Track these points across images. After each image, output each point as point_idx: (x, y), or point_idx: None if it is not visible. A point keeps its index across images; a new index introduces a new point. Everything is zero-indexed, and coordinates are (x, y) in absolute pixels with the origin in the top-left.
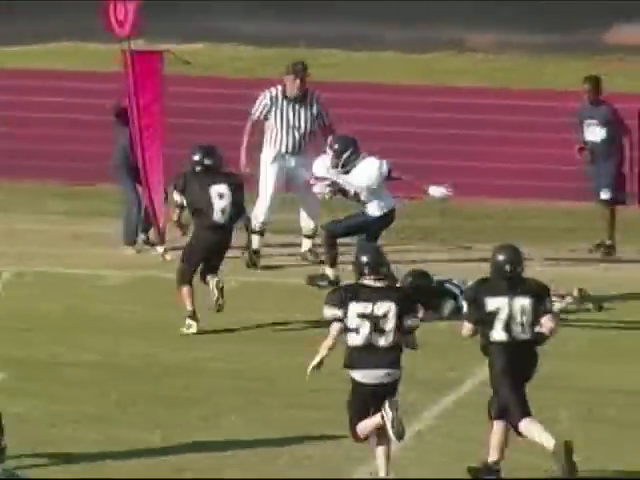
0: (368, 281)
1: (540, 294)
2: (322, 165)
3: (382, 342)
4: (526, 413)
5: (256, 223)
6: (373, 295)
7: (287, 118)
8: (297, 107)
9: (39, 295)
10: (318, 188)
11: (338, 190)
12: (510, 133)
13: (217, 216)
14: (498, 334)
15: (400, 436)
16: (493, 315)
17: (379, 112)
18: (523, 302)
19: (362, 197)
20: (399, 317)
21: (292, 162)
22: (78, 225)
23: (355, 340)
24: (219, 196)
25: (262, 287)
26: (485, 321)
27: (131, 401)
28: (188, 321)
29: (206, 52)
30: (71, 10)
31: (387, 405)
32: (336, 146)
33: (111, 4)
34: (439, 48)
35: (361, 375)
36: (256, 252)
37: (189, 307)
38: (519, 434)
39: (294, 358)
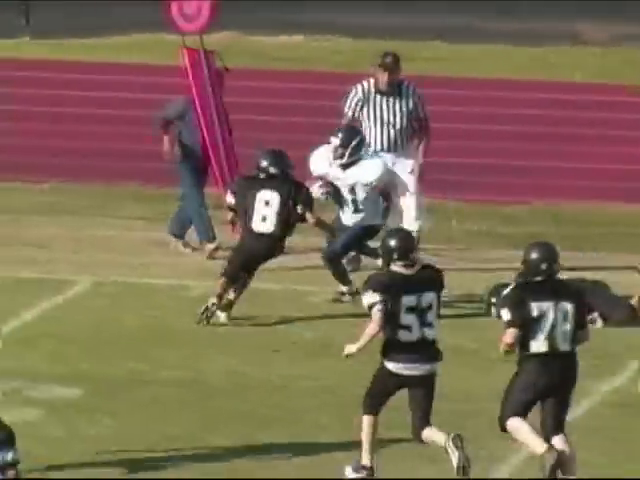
0: (398, 268)
1: (581, 298)
2: (322, 157)
3: (431, 334)
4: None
5: None
6: (414, 285)
7: (380, 113)
8: (390, 101)
9: (116, 307)
10: (314, 190)
11: (333, 192)
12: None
13: (256, 223)
14: (538, 344)
15: (466, 474)
16: (536, 322)
17: (490, 109)
18: (567, 307)
19: (358, 199)
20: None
21: (389, 161)
22: (157, 231)
23: (405, 336)
24: (265, 203)
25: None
26: (525, 328)
27: (217, 421)
28: (218, 312)
29: (304, 45)
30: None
31: (451, 442)
32: (342, 135)
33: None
34: (550, 41)
35: (402, 368)
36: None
37: (214, 299)
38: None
39: None
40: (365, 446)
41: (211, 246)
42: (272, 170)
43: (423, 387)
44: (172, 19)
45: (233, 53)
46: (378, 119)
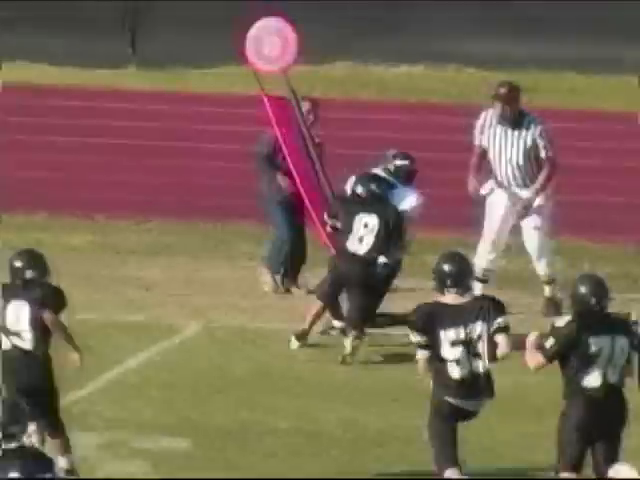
0: (450, 297)
1: (633, 333)
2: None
3: (479, 367)
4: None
5: (477, 269)
6: (462, 316)
7: (499, 145)
8: (509, 133)
9: (226, 353)
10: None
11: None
12: None
13: (352, 243)
14: (590, 379)
15: None
16: (591, 357)
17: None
18: (623, 342)
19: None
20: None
21: (513, 196)
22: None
23: (454, 371)
24: (364, 225)
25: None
26: (581, 364)
27: (337, 476)
28: (292, 338)
29: (426, 75)
30: None
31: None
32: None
33: (253, 37)
34: None
35: (459, 402)
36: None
37: (305, 325)
38: None
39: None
40: None
41: (273, 279)
42: (358, 190)
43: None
44: (248, 57)
45: (352, 84)
46: (497, 151)
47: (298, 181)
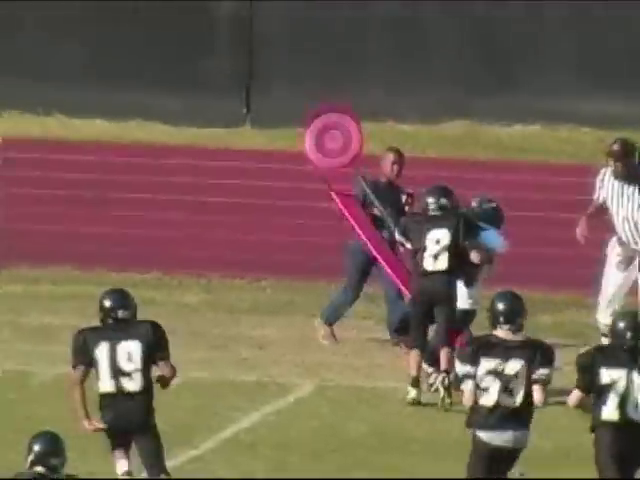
0: (502, 332)
1: None
2: None
3: (510, 402)
4: None
5: (600, 325)
6: (505, 351)
7: (617, 203)
8: (625, 190)
9: (341, 412)
10: None
11: None
12: None
13: (427, 262)
14: (609, 412)
15: None
16: (607, 389)
17: None
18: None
19: None
20: (529, 374)
21: (632, 252)
22: (384, 332)
23: (484, 399)
24: (435, 241)
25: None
26: (597, 395)
27: None
28: (409, 387)
29: (541, 135)
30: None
31: None
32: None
33: (314, 131)
34: None
35: (488, 436)
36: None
37: (412, 373)
38: None
39: None
40: None
41: (324, 330)
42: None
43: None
44: (309, 155)
45: (467, 143)
46: (614, 208)
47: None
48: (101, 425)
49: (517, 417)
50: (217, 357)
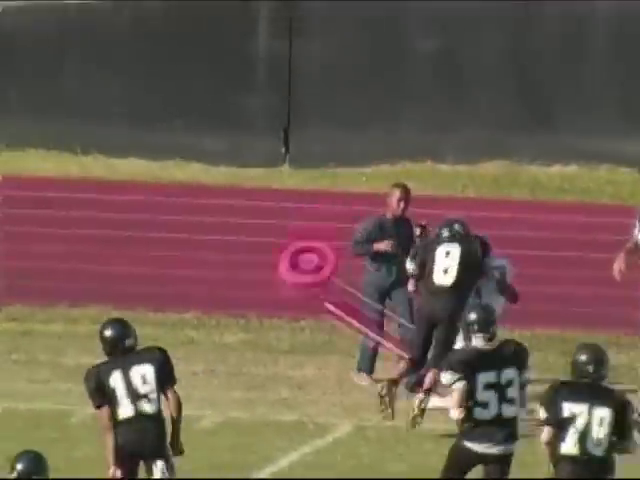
0: (479, 342)
1: (624, 408)
2: None
3: (509, 412)
4: None
5: None
6: (494, 361)
7: None
8: None
9: (380, 452)
10: None
11: None
12: None
13: (437, 276)
14: (569, 446)
15: None
16: (568, 423)
17: None
18: (603, 413)
19: None
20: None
21: None
22: None
23: (482, 414)
24: (445, 253)
25: None
26: (558, 428)
27: None
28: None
29: (580, 175)
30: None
31: None
32: None
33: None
34: None
35: (482, 447)
36: None
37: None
38: None
39: None
40: None
41: (362, 379)
42: (445, 233)
43: (499, 465)
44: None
45: (505, 183)
46: None
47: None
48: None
49: (514, 427)
50: (256, 397)
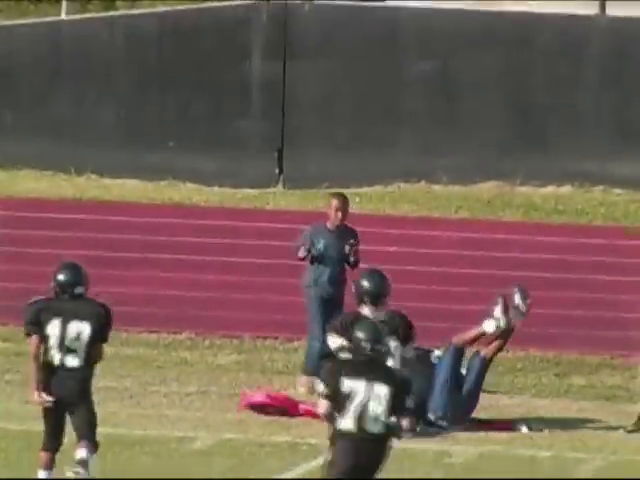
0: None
1: (402, 387)
2: None
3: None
4: None
5: None
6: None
7: None
8: None
9: None
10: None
11: None
12: None
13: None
14: (347, 423)
15: None
16: (346, 399)
17: None
18: (381, 390)
19: None
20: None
21: None
22: None
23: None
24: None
25: None
26: (337, 405)
27: None
28: None
29: (573, 196)
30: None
31: None
32: None
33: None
34: None
35: None
36: None
37: None
38: None
39: None
40: None
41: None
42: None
43: None
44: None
45: (501, 204)
46: None
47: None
48: (49, 398)
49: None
50: (249, 418)
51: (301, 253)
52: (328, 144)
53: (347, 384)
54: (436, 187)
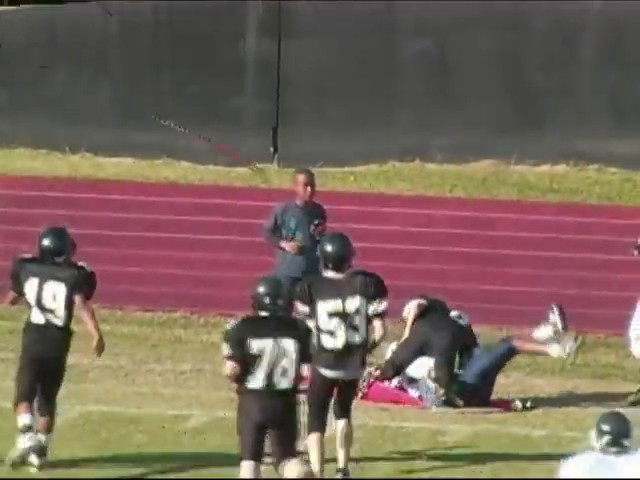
0: (330, 275)
1: (306, 337)
2: None
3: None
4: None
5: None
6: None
7: None
8: None
9: (367, 452)
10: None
11: None
12: None
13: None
14: (256, 381)
15: None
16: (255, 358)
17: None
18: (288, 345)
19: None
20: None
21: None
22: None
23: (329, 342)
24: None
25: None
26: (246, 365)
27: None
28: None
29: (568, 175)
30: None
31: None
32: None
33: None
34: None
35: (334, 374)
36: None
37: None
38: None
39: None
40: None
41: None
42: None
43: (350, 388)
44: None
45: (496, 183)
46: None
47: None
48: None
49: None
50: None
51: (267, 225)
52: (323, 123)
53: (255, 345)
54: (431, 166)
